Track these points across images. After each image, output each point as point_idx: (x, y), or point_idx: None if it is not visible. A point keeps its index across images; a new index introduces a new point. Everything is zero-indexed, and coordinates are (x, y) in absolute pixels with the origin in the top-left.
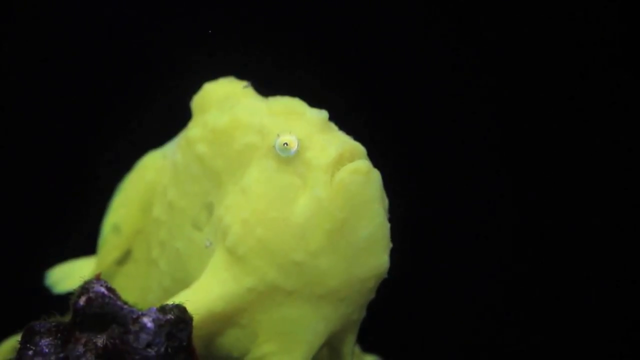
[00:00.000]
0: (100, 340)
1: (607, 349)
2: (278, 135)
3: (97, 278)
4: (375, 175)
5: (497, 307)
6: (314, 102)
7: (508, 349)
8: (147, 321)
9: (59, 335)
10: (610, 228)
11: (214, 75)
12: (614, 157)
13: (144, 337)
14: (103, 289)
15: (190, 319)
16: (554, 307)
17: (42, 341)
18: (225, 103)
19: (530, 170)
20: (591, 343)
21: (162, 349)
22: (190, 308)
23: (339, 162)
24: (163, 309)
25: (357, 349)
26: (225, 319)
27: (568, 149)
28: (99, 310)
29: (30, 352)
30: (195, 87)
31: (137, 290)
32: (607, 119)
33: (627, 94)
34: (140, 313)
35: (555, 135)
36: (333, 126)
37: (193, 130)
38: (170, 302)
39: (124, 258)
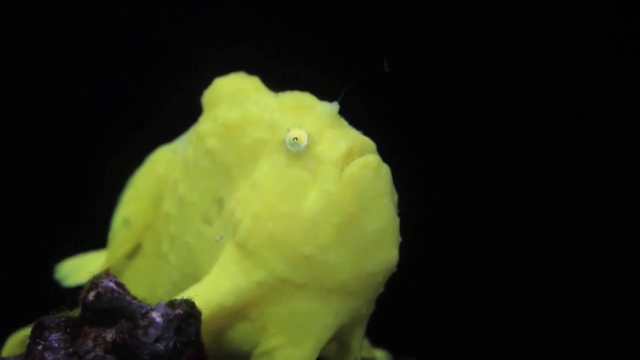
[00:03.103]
0: (109, 335)
1: (611, 346)
2: (288, 130)
3: (106, 273)
4: (385, 169)
5: (506, 301)
6: (324, 97)
7: (516, 343)
8: (156, 316)
9: (68, 330)
10: (617, 227)
11: (224, 70)
12: (619, 158)
13: (153, 332)
14: (112, 284)
15: (199, 313)
16: (562, 302)
17: (52, 336)
18: (236, 98)
19: (540, 166)
20: (598, 340)
21: (171, 344)
22: (200, 302)
23: (349, 156)
24: (172, 304)
25: (366, 343)
26: (235, 313)
27: (577, 147)
28: (108, 305)
29: (40, 347)
30: (206, 82)
31: (146, 285)
32: (614, 119)
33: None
34: (149, 308)
35: (566, 134)
36: (343, 121)
37: (204, 125)
38: (180, 296)
39: (134, 252)
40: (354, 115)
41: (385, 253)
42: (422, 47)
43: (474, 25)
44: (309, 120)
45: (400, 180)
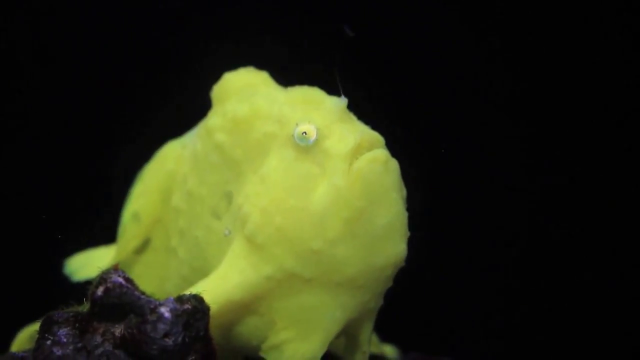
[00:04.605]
0: (117, 330)
1: (613, 345)
2: (297, 125)
3: (115, 268)
4: (393, 164)
5: (514, 295)
6: (332, 92)
7: (524, 339)
8: (165, 311)
9: (77, 325)
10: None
11: (233, 65)
12: (626, 157)
13: (162, 327)
14: (121, 279)
15: (208, 308)
16: (571, 299)
17: (61, 331)
18: (245, 92)
19: (548, 161)
20: (603, 338)
21: (180, 339)
22: (209, 297)
23: (357, 151)
24: (180, 299)
25: (375, 338)
26: (244, 307)
27: (586, 143)
28: (117, 300)
29: (49, 342)
30: (215, 77)
31: (155, 279)
32: (620, 120)
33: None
34: (157, 303)
35: (573, 130)
36: (352, 115)
37: (213, 120)
38: (188, 291)
39: (143, 247)
40: (363, 110)
41: (393, 247)
42: (430, 42)
43: (482, 21)
44: (317, 114)
45: (408, 175)
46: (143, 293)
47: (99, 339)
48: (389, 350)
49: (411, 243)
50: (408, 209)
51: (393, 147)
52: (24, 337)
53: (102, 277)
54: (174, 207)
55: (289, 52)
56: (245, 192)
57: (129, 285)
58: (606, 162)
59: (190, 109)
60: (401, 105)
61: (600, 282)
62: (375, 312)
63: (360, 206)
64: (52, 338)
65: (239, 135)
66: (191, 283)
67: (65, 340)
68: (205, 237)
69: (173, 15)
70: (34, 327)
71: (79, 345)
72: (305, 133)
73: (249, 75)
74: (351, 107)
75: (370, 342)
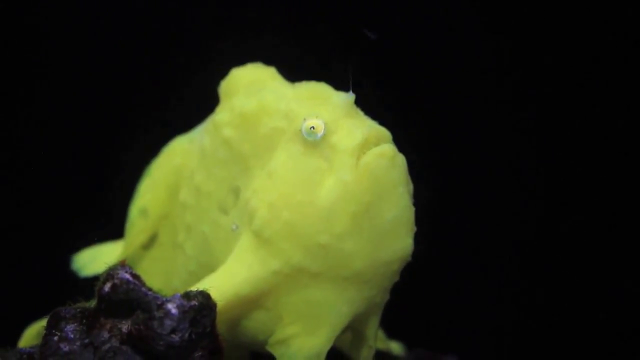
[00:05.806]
0: (125, 326)
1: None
2: (304, 119)
3: (122, 264)
4: (401, 159)
5: (521, 292)
6: (340, 87)
7: (532, 334)
8: (172, 307)
9: (84, 321)
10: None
11: (241, 60)
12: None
13: (168, 323)
14: (128, 275)
15: (214, 305)
16: (576, 295)
17: (68, 327)
18: (253, 88)
19: (555, 157)
20: (608, 335)
21: (186, 335)
22: (216, 292)
23: (365, 146)
24: (187, 295)
25: (382, 334)
26: (251, 302)
27: (591, 142)
28: (124, 296)
29: (56, 338)
30: (223, 73)
31: (162, 274)
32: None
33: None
34: (164, 299)
35: (580, 128)
36: (359, 111)
37: (220, 115)
38: (195, 287)
39: (150, 242)
40: (370, 105)
41: (400, 242)
42: (436, 38)
43: (493, 19)
44: (325, 109)
45: (415, 170)
46: (150, 289)
47: (106, 335)
48: (395, 346)
49: (418, 238)
50: (415, 204)
51: (400, 142)
52: (32, 333)
53: (110, 273)
54: (181, 202)
55: (296, 48)
56: (253, 187)
57: (136, 282)
58: (612, 161)
59: (198, 104)
60: (408, 100)
61: (605, 280)
62: (382, 307)
63: (368, 201)
64: (59, 334)
65: (247, 130)
66: (198, 278)
67: (72, 336)
68: (213, 232)
69: (181, 11)
70: (42, 323)
71: (86, 341)
72: (313, 128)
73: (256, 71)
74: (358, 102)
75: (376, 337)
